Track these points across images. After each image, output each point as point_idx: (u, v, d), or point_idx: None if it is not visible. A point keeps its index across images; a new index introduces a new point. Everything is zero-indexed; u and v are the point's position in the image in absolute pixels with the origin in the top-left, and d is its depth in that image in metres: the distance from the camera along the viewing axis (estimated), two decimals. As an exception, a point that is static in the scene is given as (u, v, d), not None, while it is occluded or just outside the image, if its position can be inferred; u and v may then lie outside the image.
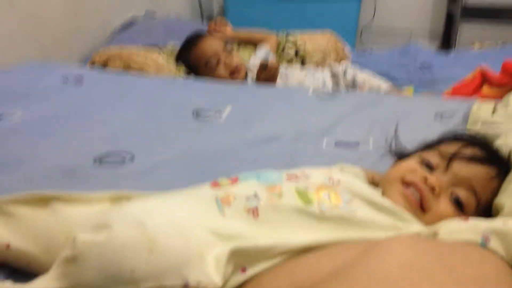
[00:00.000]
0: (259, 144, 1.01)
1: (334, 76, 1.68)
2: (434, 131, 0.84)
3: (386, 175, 0.73)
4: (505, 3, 2.71)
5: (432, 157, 0.72)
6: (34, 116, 1.11)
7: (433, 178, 0.68)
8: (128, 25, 2.08)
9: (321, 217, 0.60)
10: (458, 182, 0.68)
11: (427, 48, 2.28)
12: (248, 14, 2.81)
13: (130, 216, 0.57)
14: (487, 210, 0.69)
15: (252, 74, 1.67)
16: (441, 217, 0.65)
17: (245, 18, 2.76)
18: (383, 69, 1.83)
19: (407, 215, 0.63)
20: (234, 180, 0.65)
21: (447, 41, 3.12)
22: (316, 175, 0.67)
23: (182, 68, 1.66)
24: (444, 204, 0.67)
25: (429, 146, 0.77)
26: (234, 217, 0.58)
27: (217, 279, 0.52)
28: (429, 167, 0.71)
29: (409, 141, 0.85)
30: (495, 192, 0.69)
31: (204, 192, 0.63)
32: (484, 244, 0.55)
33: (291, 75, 1.66)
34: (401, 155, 0.80)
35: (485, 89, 1.43)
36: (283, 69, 1.67)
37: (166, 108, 1.19)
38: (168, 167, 0.93)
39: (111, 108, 1.18)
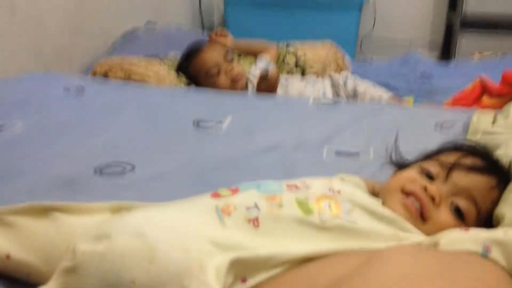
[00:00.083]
0: (260, 154, 1.01)
1: (334, 86, 1.69)
2: (434, 141, 0.84)
3: (386, 185, 0.73)
4: (504, 14, 2.72)
5: (432, 166, 0.72)
6: (35, 126, 1.12)
7: (433, 188, 0.68)
8: (129, 36, 2.09)
9: (322, 227, 0.60)
10: (458, 191, 0.68)
11: (427, 58, 2.29)
12: (249, 24, 2.82)
13: (130, 226, 0.57)
14: (487, 220, 0.69)
15: (253, 84, 1.68)
16: (441, 227, 0.65)
17: (245, 28, 2.77)
18: (383, 79, 1.84)
19: (408, 224, 0.63)
20: (235, 191, 0.65)
21: (446, 51, 3.14)
22: (316, 185, 0.67)
23: (183, 79, 1.67)
24: (444, 214, 0.67)
25: (429, 156, 0.77)
26: (234, 227, 0.58)
27: (217, 289, 0.51)
28: (429, 176, 0.71)
29: (409, 151, 0.85)
30: (496, 202, 0.69)
31: (205, 202, 0.63)
32: (485, 254, 0.55)
33: (292, 85, 1.66)
34: (401, 165, 0.80)
35: (485, 99, 1.43)
36: (283, 79, 1.67)
37: (166, 118, 1.19)
38: (169, 177, 0.93)
39: (112, 118, 1.18)
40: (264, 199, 0.62)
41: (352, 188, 0.69)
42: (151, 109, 1.24)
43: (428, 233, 0.64)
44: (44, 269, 0.63)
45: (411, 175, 0.72)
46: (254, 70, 1.74)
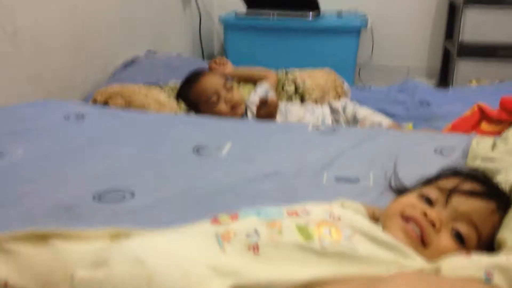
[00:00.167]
0: (260, 180, 1.01)
1: (333, 112, 1.70)
2: (434, 167, 0.84)
3: (386, 210, 0.73)
4: (501, 41, 2.76)
5: (432, 192, 0.72)
6: (34, 153, 1.12)
7: (433, 213, 0.68)
8: (129, 64, 2.11)
9: (322, 253, 0.59)
10: (458, 216, 0.68)
11: (425, 85, 2.31)
12: (248, 51, 2.86)
13: (129, 253, 0.56)
14: (488, 244, 0.69)
15: (252, 111, 1.69)
16: (442, 252, 0.64)
17: (245, 56, 2.81)
18: (381, 106, 1.85)
19: (409, 250, 0.63)
20: (234, 217, 0.65)
21: (444, 78, 3.17)
22: (316, 211, 0.67)
23: (183, 106, 1.68)
24: (445, 239, 0.66)
25: (428, 181, 0.78)
26: (234, 253, 0.58)
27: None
28: (429, 202, 0.71)
29: (409, 176, 0.85)
30: (496, 226, 0.69)
31: (204, 229, 0.63)
32: (488, 280, 0.54)
33: (291, 111, 1.67)
34: (400, 191, 0.80)
35: (484, 125, 1.44)
36: (282, 106, 1.68)
37: (166, 145, 1.19)
38: (169, 204, 0.92)
39: (111, 145, 1.18)
40: (264, 225, 0.62)
41: (352, 214, 0.68)
42: (150, 135, 1.24)
43: (429, 258, 0.63)
44: (42, 296, 0.62)
45: (410, 200, 0.72)
46: (253, 97, 1.75)
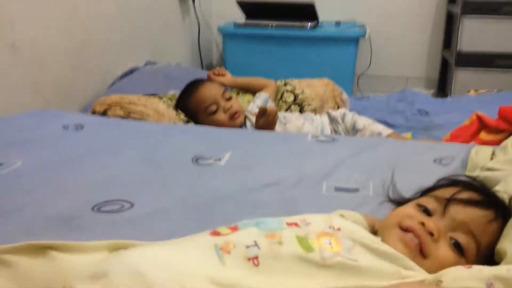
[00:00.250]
0: (259, 190, 1.01)
1: (332, 121, 1.70)
2: (433, 176, 0.84)
3: (384, 222, 0.73)
4: (498, 50, 2.77)
5: (429, 202, 0.72)
6: (33, 163, 1.11)
7: (430, 223, 0.68)
8: (128, 74, 2.12)
9: (323, 265, 0.59)
10: (456, 226, 0.68)
11: (423, 94, 2.31)
12: (247, 62, 2.86)
13: (129, 265, 0.56)
14: (489, 255, 0.69)
15: (251, 121, 1.69)
16: (442, 263, 0.64)
17: (243, 66, 2.81)
18: (380, 115, 1.85)
19: (410, 262, 0.63)
20: (234, 229, 0.65)
21: (442, 88, 3.18)
22: (316, 222, 0.66)
23: (182, 116, 1.68)
24: (443, 249, 0.66)
25: (426, 191, 0.78)
26: (234, 265, 0.58)
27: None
28: (427, 212, 0.71)
29: (409, 186, 0.85)
30: (495, 236, 0.69)
31: (204, 241, 0.62)
32: (489, 292, 0.54)
33: (290, 121, 1.67)
34: (399, 202, 0.80)
35: (483, 134, 1.44)
36: (281, 117, 1.68)
37: (166, 154, 1.19)
38: (168, 214, 0.92)
39: (110, 155, 1.18)
40: (264, 236, 0.62)
41: (352, 225, 0.68)
42: (150, 145, 1.24)
43: (429, 269, 0.63)
44: (41, 309, 0.62)
45: (408, 211, 0.72)
46: (252, 107, 1.76)
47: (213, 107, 1.64)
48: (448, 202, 0.70)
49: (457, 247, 0.67)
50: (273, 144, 1.27)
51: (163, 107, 1.66)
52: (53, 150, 1.20)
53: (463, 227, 0.67)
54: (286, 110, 1.89)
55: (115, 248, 0.68)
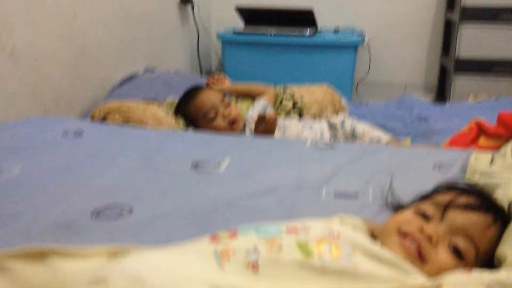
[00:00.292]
0: (259, 196, 1.01)
1: (331, 128, 1.70)
2: (432, 182, 0.84)
3: (383, 227, 0.73)
4: (497, 56, 2.77)
5: (428, 207, 0.72)
6: (32, 170, 1.11)
7: (429, 228, 0.68)
8: (127, 80, 2.12)
9: (323, 270, 0.59)
10: (454, 231, 0.68)
11: (422, 100, 2.32)
12: (246, 68, 2.87)
13: (128, 271, 0.56)
14: (488, 260, 0.69)
15: (250, 126, 1.69)
16: (441, 267, 0.64)
17: (243, 72, 2.82)
18: (379, 121, 1.85)
19: (410, 267, 0.63)
20: (233, 234, 0.65)
21: (441, 94, 3.18)
22: (316, 227, 0.66)
23: (181, 122, 1.68)
24: (442, 254, 0.66)
25: (424, 197, 0.78)
26: (233, 271, 0.57)
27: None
28: (425, 217, 0.71)
29: (408, 192, 0.85)
30: (494, 240, 0.69)
31: (203, 246, 0.62)
32: (489, 296, 0.54)
33: (289, 127, 1.67)
34: (398, 208, 0.80)
35: (482, 140, 1.44)
36: (280, 121, 1.69)
37: (164, 161, 1.19)
38: (167, 220, 0.92)
39: (109, 161, 1.18)
40: (264, 242, 0.62)
41: (351, 231, 0.68)
42: (149, 151, 1.24)
43: (428, 274, 0.63)
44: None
45: (407, 216, 0.72)
46: (251, 113, 1.76)
47: (212, 113, 1.64)
48: (446, 207, 0.70)
49: (456, 251, 0.67)
50: (272, 150, 1.27)
51: (162, 114, 1.66)
52: (52, 156, 1.20)
53: (462, 232, 0.68)
54: (285, 116, 1.89)
55: (114, 254, 0.67)
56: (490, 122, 1.45)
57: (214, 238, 0.64)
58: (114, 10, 2.13)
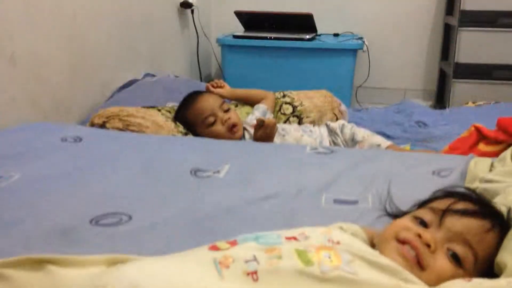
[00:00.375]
0: (258, 202, 1.01)
1: (331, 134, 1.70)
2: (432, 188, 0.84)
3: (382, 235, 0.73)
4: (496, 61, 2.78)
5: (425, 214, 0.72)
6: (31, 176, 1.11)
7: (427, 234, 0.68)
8: (127, 86, 2.12)
9: (322, 278, 0.58)
10: (452, 237, 0.68)
11: (421, 105, 2.32)
12: (246, 74, 2.87)
13: (126, 279, 0.56)
14: (488, 267, 0.68)
15: (249, 133, 1.69)
16: (440, 274, 0.64)
17: (242, 78, 2.82)
18: (378, 127, 1.85)
19: (410, 275, 0.62)
20: (233, 243, 0.64)
21: (441, 100, 3.18)
22: (315, 236, 0.66)
23: (180, 128, 1.68)
24: (441, 260, 0.66)
25: (423, 203, 0.78)
26: (233, 280, 0.57)
27: None
28: (423, 224, 0.71)
29: (407, 198, 0.85)
30: (493, 246, 0.69)
31: (202, 255, 0.62)
32: (489, 305, 0.54)
33: (288, 133, 1.67)
34: (396, 215, 0.80)
35: (481, 146, 1.44)
36: (280, 127, 1.68)
37: (164, 167, 1.19)
38: (166, 227, 0.92)
39: (109, 168, 1.18)
40: (263, 251, 0.61)
41: (351, 239, 0.68)
42: (148, 158, 1.24)
43: (427, 282, 0.63)
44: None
45: (405, 223, 0.72)
46: (250, 119, 1.76)
47: (211, 119, 1.64)
48: (444, 213, 0.70)
49: (455, 258, 0.67)
50: (272, 156, 1.27)
51: (162, 119, 1.66)
52: (52, 162, 1.20)
53: (460, 238, 0.67)
54: (285, 122, 1.89)
55: (113, 262, 0.67)
56: (489, 128, 1.45)
57: (213, 247, 0.64)
58: (114, 15, 2.14)
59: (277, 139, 1.63)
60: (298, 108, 1.92)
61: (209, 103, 1.67)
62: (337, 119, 1.92)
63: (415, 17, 3.18)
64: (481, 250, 0.68)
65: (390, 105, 2.20)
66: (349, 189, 1.06)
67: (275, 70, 2.87)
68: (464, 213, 0.70)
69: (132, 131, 1.57)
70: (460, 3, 2.73)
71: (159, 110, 1.75)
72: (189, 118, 1.68)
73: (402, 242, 0.68)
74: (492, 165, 1.07)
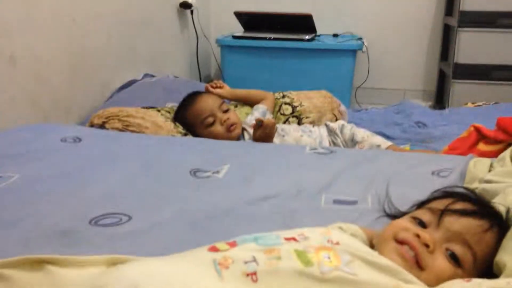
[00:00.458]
0: (257, 202, 1.01)
1: (331, 133, 1.70)
2: (431, 189, 0.84)
3: (380, 235, 0.73)
4: (496, 62, 2.78)
5: (424, 214, 0.72)
6: (31, 177, 1.11)
7: (425, 235, 0.68)
8: (126, 87, 2.12)
9: (322, 279, 0.58)
10: (451, 237, 0.68)
11: (421, 106, 2.32)
12: (245, 74, 2.87)
13: (126, 280, 0.56)
14: (487, 267, 0.68)
15: (249, 133, 1.69)
16: (438, 274, 0.64)
17: (242, 78, 2.82)
18: (378, 128, 1.85)
19: (409, 275, 0.62)
20: (232, 244, 0.64)
21: (440, 100, 3.18)
22: (314, 236, 0.66)
23: (180, 129, 1.68)
24: (440, 261, 0.66)
25: (421, 204, 0.78)
26: (232, 281, 0.57)
27: None
28: (422, 224, 0.71)
29: (407, 199, 0.85)
30: (492, 246, 0.69)
31: (202, 256, 0.62)
32: (489, 305, 0.54)
33: (288, 133, 1.67)
34: (395, 216, 0.80)
35: (481, 145, 1.44)
36: (279, 128, 1.69)
37: (164, 167, 1.19)
38: (166, 228, 0.92)
39: (108, 168, 1.18)
40: (263, 252, 0.61)
41: (350, 239, 0.68)
42: (148, 158, 1.24)
43: (427, 282, 0.63)
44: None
45: (403, 224, 0.72)
46: (250, 120, 1.76)
47: (210, 119, 1.64)
48: (442, 213, 0.70)
49: (453, 258, 0.67)
50: (271, 156, 1.27)
51: (161, 120, 1.66)
52: (51, 163, 1.20)
53: (458, 238, 0.67)
54: (284, 122, 1.89)
55: (112, 263, 0.67)
56: (489, 128, 1.45)
57: (213, 248, 0.64)
58: (114, 16, 2.14)
59: (276, 139, 1.63)
60: (298, 108, 1.92)
61: (208, 103, 1.67)
62: (336, 119, 1.92)
63: (415, 17, 3.18)
64: (480, 250, 0.68)
65: (390, 106, 2.20)
66: (349, 190, 1.06)
67: (275, 71, 2.87)
68: (462, 213, 0.70)
69: (132, 131, 1.57)
70: (459, 4, 2.73)
71: (159, 111, 1.75)
72: (189, 118, 1.68)
73: (401, 242, 0.68)
74: (491, 166, 1.07)
